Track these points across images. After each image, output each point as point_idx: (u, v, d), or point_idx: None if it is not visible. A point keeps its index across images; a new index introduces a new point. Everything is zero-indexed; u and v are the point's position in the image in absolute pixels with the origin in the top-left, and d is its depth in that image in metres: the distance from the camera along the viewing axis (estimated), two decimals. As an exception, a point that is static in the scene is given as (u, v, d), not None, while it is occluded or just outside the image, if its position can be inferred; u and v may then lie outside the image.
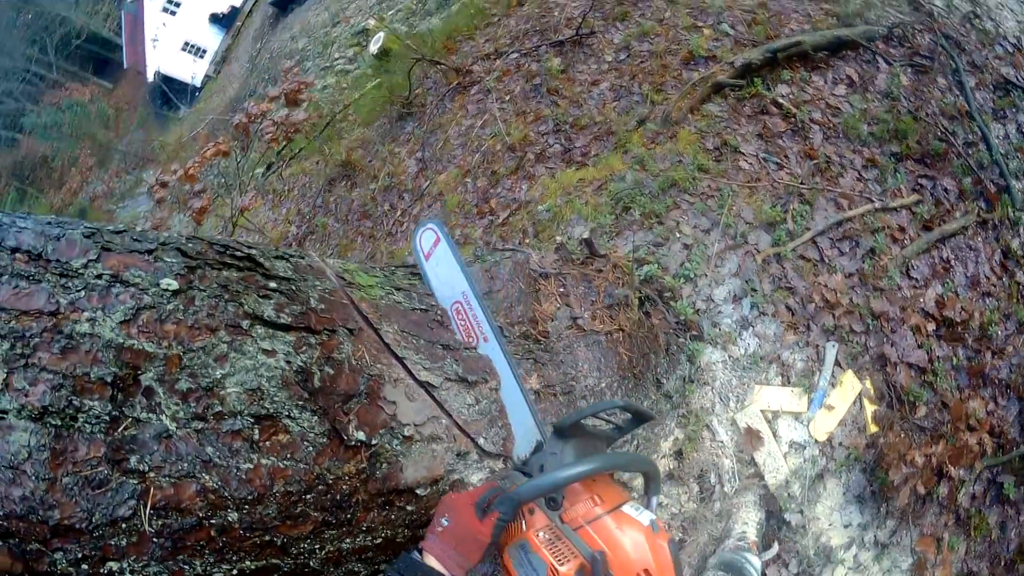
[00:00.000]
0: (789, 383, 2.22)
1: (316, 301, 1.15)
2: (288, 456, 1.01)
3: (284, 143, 3.44)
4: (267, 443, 1.00)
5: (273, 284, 1.11)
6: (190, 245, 1.04)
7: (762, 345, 2.28)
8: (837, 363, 2.27)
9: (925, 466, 2.04)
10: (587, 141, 3.37)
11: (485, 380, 1.35)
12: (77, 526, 0.85)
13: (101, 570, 0.89)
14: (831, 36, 3.41)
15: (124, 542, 0.89)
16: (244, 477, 0.97)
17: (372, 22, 6.61)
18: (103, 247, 0.96)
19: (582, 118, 3.50)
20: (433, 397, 1.23)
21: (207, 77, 20.67)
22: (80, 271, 0.92)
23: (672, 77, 3.49)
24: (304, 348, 1.07)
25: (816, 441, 2.13)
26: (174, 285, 0.98)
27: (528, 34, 4.48)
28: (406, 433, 1.15)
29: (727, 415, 2.14)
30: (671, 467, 2.01)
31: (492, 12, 4.85)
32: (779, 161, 2.86)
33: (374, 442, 1.10)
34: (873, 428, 2.18)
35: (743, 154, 2.91)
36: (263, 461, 0.99)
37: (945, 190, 2.71)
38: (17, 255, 0.89)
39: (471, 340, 1.43)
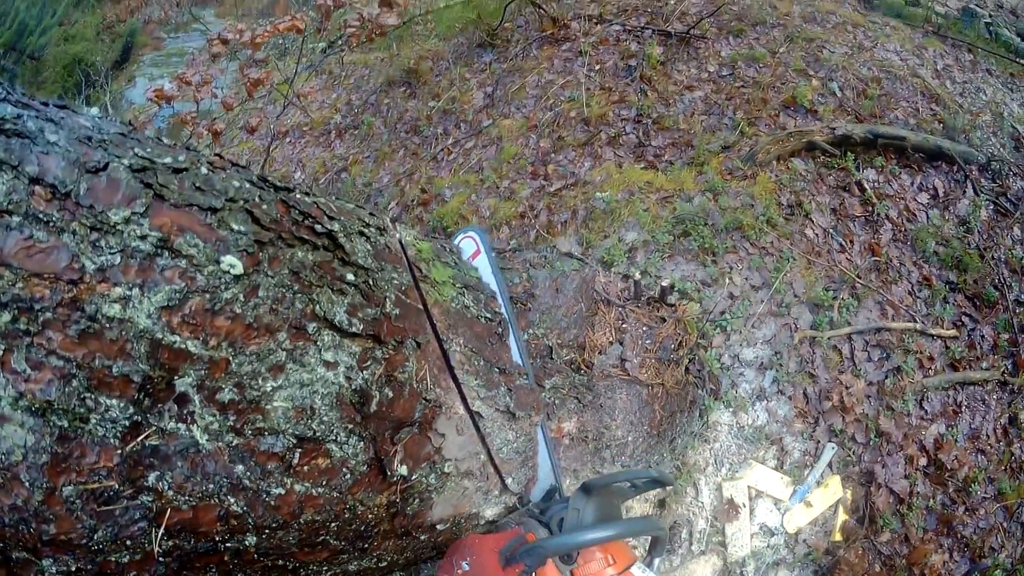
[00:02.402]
0: (782, 468, 2.13)
1: (392, 304, 0.93)
2: (324, 483, 0.84)
3: (365, 42, 3.03)
4: (305, 467, 0.82)
5: (351, 275, 0.87)
6: (264, 208, 0.77)
7: (770, 423, 2.17)
8: (830, 465, 2.18)
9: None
10: (664, 144, 3.12)
11: (529, 416, 1.18)
12: (76, 542, 0.68)
13: None
14: (933, 143, 3.21)
15: (127, 559, 0.72)
16: (272, 503, 0.80)
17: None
18: (156, 194, 0.68)
19: (666, 119, 3.23)
20: (479, 431, 1.07)
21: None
22: (119, 227, 0.65)
23: (768, 115, 3.24)
24: (369, 363, 0.86)
25: (785, 531, 2.06)
26: (238, 268, 0.71)
27: (638, 11, 4.09)
28: (445, 469, 1.01)
29: (716, 479, 2.03)
30: (650, 513, 1.90)
31: (609, -29, 4.41)
32: (844, 244, 2.70)
33: (413, 477, 0.94)
34: (838, 536, 2.12)
35: (813, 223, 2.73)
36: (296, 487, 0.82)
37: (982, 337, 2.62)
38: (37, 189, 0.61)
39: None
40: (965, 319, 2.65)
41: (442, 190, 3.09)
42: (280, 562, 0.88)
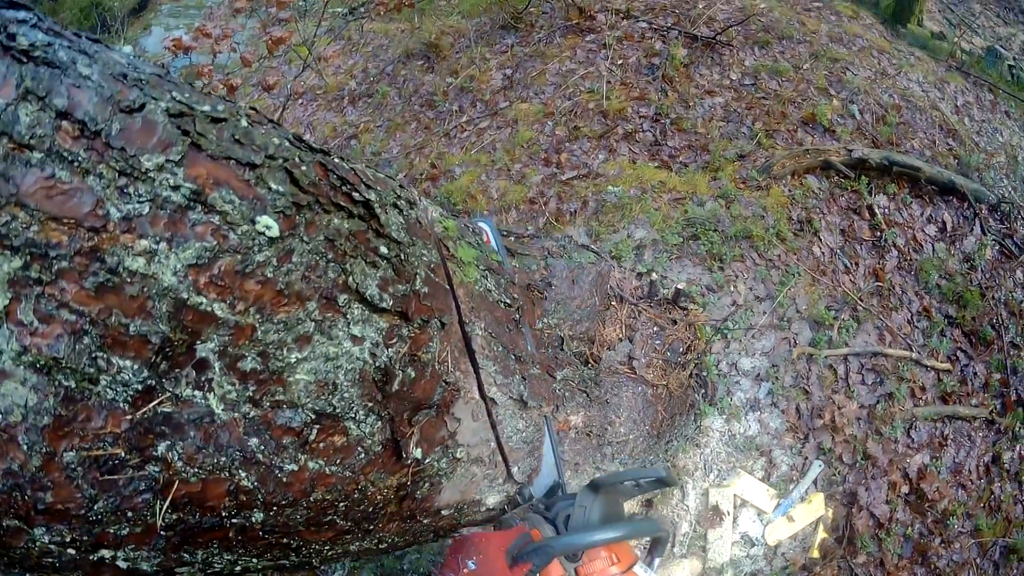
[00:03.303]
0: (768, 480, 2.09)
1: (421, 282, 0.88)
2: (338, 462, 0.80)
3: (392, 10, 2.93)
4: (321, 444, 0.78)
5: (384, 248, 0.83)
6: (303, 170, 0.71)
7: (761, 434, 2.13)
8: (815, 482, 2.15)
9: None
10: (680, 145, 3.06)
11: (540, 407, 1.13)
12: (73, 512, 0.63)
13: (90, 556, 0.67)
14: (947, 177, 3.18)
15: (126, 531, 0.67)
16: (284, 480, 0.76)
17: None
18: (193, 143, 0.62)
19: (685, 120, 3.17)
20: (491, 418, 1.04)
21: None
22: (151, 174, 0.59)
23: (787, 129, 3.19)
24: (395, 341, 0.83)
25: (766, 543, 2.03)
26: (274, 229, 0.66)
27: (666, 10, 4.02)
28: (457, 454, 0.97)
29: (704, 484, 1.99)
30: (637, 511, 1.85)
31: (642, -31, 4.33)
32: (849, 265, 2.66)
33: (426, 460, 0.90)
34: (816, 554, 2.09)
35: (821, 241, 2.69)
36: (310, 464, 0.78)
37: (975, 374, 2.59)
38: (64, 124, 0.55)
39: None
40: (960, 354, 2.63)
41: (452, 167, 3.01)
42: (284, 540, 0.84)
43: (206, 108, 0.64)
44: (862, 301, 2.54)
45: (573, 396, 1.39)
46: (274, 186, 0.67)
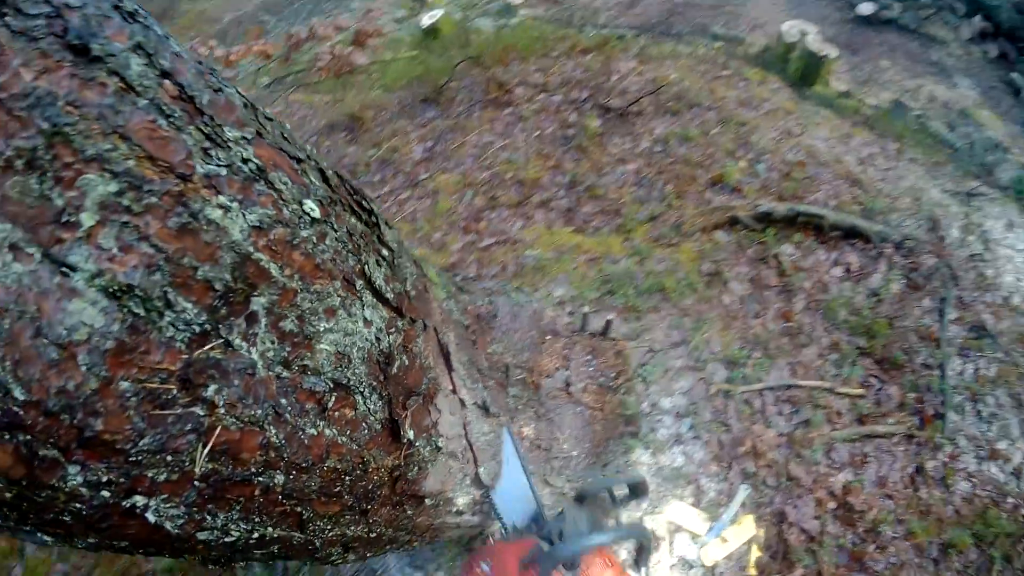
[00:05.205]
0: (699, 505, 2.92)
1: (410, 286, 1.36)
2: (347, 433, 1.13)
3: (333, 78, 3.97)
4: (336, 413, 1.10)
5: (385, 251, 1.26)
6: (330, 173, 1.13)
7: (687, 465, 2.99)
8: (743, 505, 3.00)
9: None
10: (594, 211, 4.14)
11: (498, 415, 1.83)
12: (119, 445, 0.80)
13: (123, 502, 0.85)
14: (850, 222, 4.40)
15: (163, 477, 0.88)
16: (306, 442, 1.05)
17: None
18: (258, 131, 0.96)
19: (598, 187, 4.29)
20: (463, 416, 1.58)
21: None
22: (230, 144, 0.88)
23: (696, 190, 4.37)
24: (393, 330, 1.22)
25: (703, 564, 2.82)
26: (316, 212, 1.00)
27: (580, 84, 5.33)
28: (439, 444, 1.43)
29: (638, 513, 2.80)
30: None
31: (554, 46, 5.72)
32: (759, 310, 3.71)
33: (416, 443, 1.35)
34: (753, 571, 2.88)
35: (730, 291, 3.74)
36: (326, 431, 1.09)
37: (888, 396, 3.60)
38: (167, 83, 0.82)
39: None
40: (873, 379, 3.65)
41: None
42: (298, 508, 1.13)
43: (260, 107, 1.01)
44: (773, 341, 3.56)
45: (524, 410, 2.15)
46: (313, 179, 1.03)
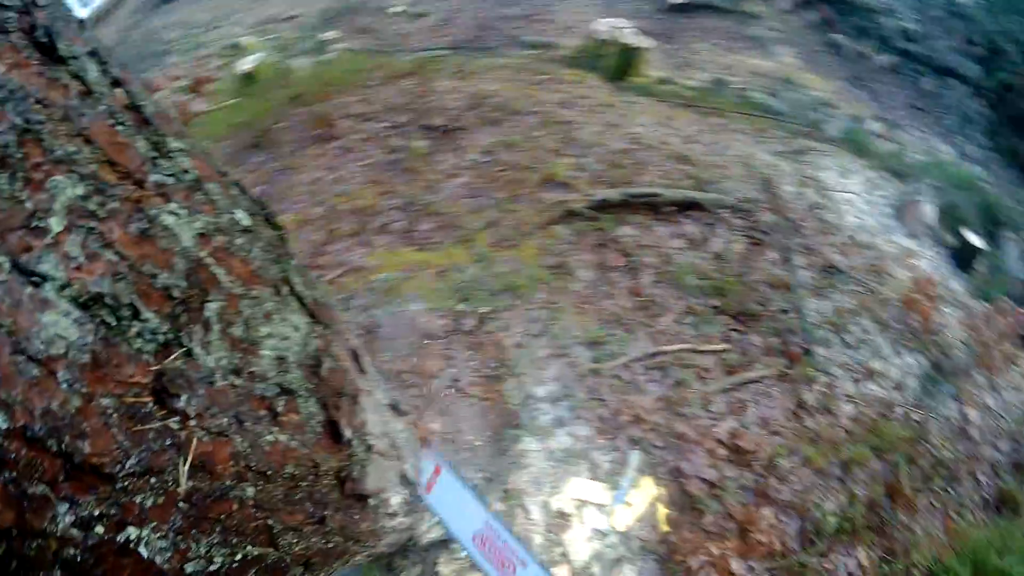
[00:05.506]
0: (597, 479, 3.01)
1: (321, 295, 1.45)
2: (298, 437, 1.18)
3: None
4: (285, 418, 1.16)
5: (295, 260, 1.34)
6: (244, 187, 1.24)
7: (575, 444, 3.08)
8: (639, 469, 3.11)
9: (720, 557, 2.89)
10: (432, 228, 4.24)
11: (408, 414, 1.94)
12: (107, 469, 0.79)
13: (117, 536, 0.85)
14: (684, 196, 4.77)
15: (150, 502, 0.88)
16: (266, 448, 1.10)
17: (247, 40, 7.40)
18: (191, 145, 1.04)
19: (433, 205, 4.40)
20: (383, 415, 1.67)
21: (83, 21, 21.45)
22: (173, 154, 0.96)
23: (527, 192, 4.58)
24: (315, 335, 1.30)
25: (615, 531, 2.90)
26: (247, 221, 1.08)
27: (402, 109, 5.49)
28: (370, 442, 1.52)
29: (541, 497, 2.85)
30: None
31: (372, 75, 5.88)
32: (608, 292, 3.92)
33: (354, 443, 1.42)
34: (665, 528, 3.00)
35: (578, 279, 3.93)
36: (280, 437, 1.14)
37: (752, 344, 3.89)
38: (118, 91, 0.90)
39: (507, 570, 1.87)
40: (733, 333, 3.93)
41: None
42: (269, 521, 1.17)
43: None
44: (628, 316, 3.76)
45: (428, 407, 2.22)
46: (235, 192, 1.13)
